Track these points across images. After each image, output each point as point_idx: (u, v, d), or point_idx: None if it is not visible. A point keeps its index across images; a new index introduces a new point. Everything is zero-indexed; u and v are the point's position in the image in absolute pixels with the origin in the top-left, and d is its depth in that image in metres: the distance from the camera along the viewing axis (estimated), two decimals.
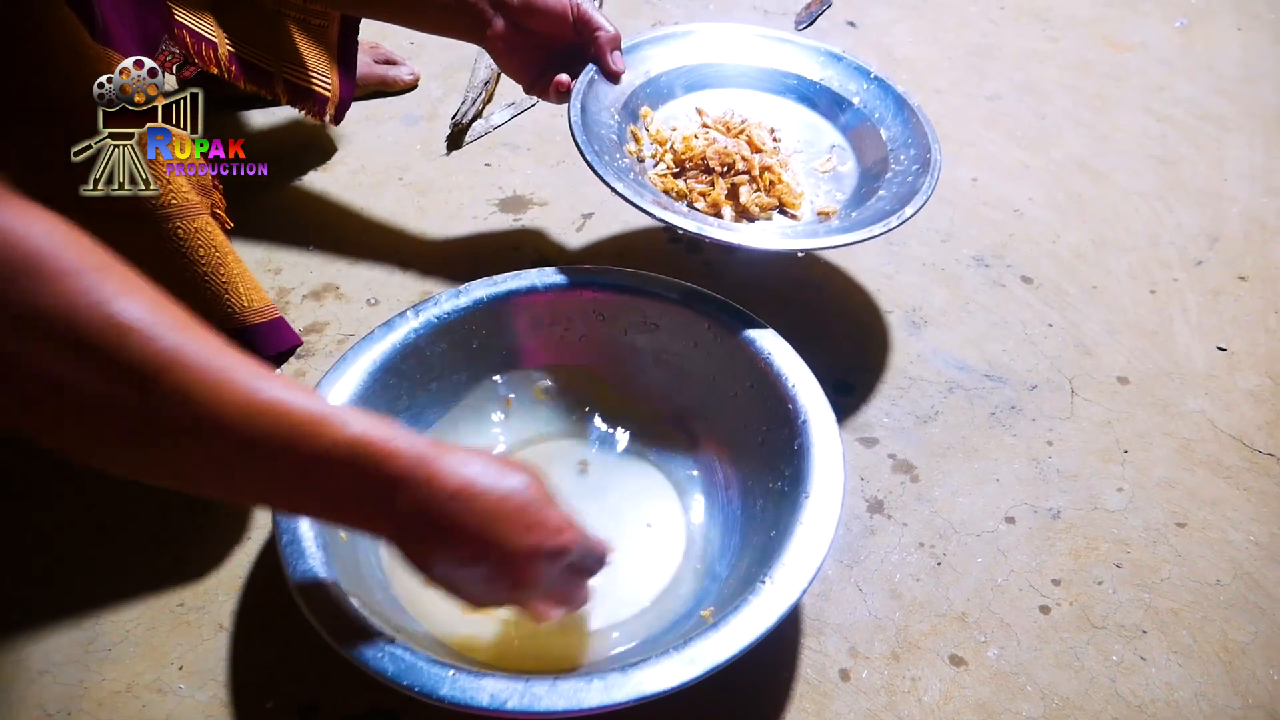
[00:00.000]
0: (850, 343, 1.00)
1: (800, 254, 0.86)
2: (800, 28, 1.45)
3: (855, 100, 1.01)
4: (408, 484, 0.54)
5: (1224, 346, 1.02)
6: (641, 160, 0.95)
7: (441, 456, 0.55)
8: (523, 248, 1.09)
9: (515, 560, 0.58)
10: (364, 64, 1.24)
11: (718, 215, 0.91)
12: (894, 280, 1.07)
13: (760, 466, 0.77)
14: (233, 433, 0.50)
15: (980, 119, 1.31)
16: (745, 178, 0.92)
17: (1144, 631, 0.78)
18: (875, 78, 1.01)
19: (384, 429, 0.54)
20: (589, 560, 0.64)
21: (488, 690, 0.59)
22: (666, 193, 0.92)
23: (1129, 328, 1.04)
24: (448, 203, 1.13)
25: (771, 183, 0.93)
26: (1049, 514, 0.86)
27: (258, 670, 0.73)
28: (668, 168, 0.94)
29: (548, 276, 0.85)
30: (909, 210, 0.87)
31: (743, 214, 0.92)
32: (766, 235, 0.88)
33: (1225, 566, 0.83)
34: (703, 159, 0.93)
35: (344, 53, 1.09)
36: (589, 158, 0.86)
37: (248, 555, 0.79)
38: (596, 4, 1.43)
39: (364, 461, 0.53)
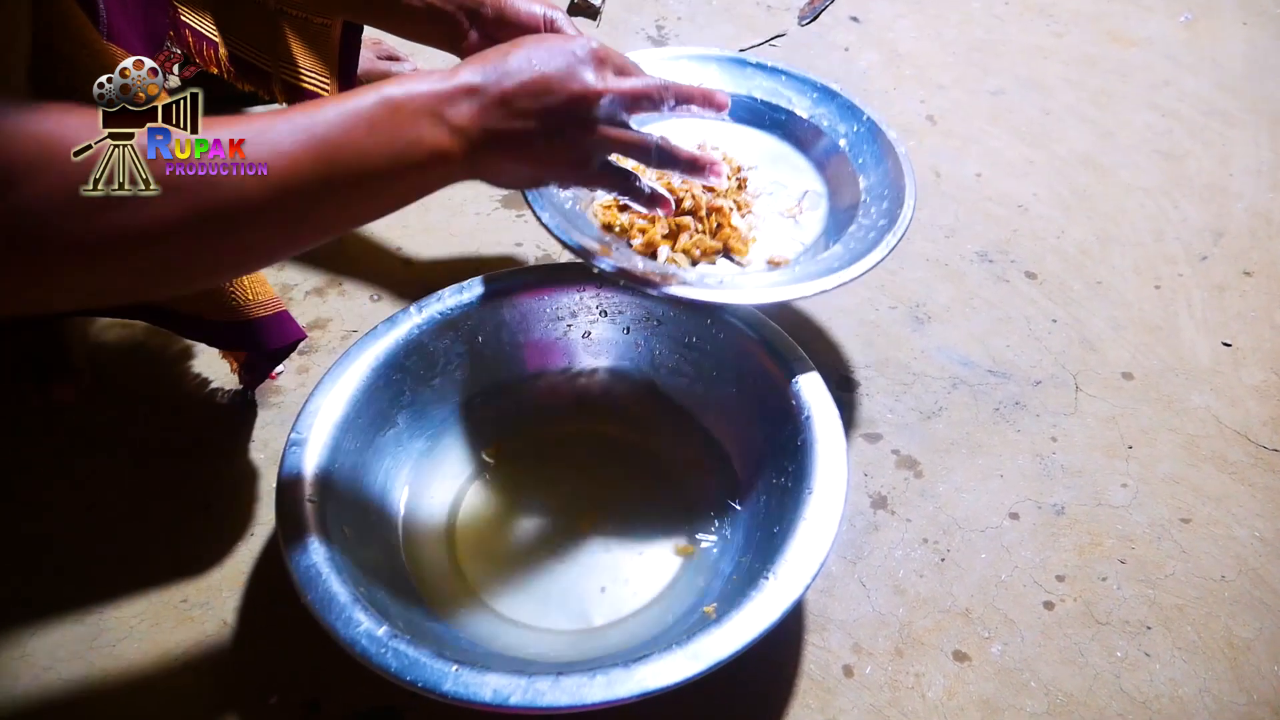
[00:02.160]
0: (854, 338, 1.00)
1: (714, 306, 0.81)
2: (804, 23, 1.45)
3: (841, 143, 0.94)
4: (450, 96, 0.58)
5: (1229, 342, 1.02)
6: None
7: (465, 63, 0.60)
8: (525, 243, 1.09)
9: (582, 81, 0.60)
10: (367, 60, 1.24)
11: (652, 255, 0.83)
12: (898, 276, 1.07)
13: (764, 462, 0.77)
14: (285, 180, 0.52)
15: (984, 114, 1.31)
16: (689, 218, 0.85)
17: (1148, 627, 0.78)
18: (867, 120, 0.94)
19: (392, 85, 0.57)
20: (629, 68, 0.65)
21: (490, 686, 0.59)
22: (608, 226, 0.86)
23: (1133, 323, 1.04)
24: (450, 199, 1.13)
25: (719, 225, 0.86)
26: (1053, 510, 0.86)
27: (261, 666, 0.73)
28: (614, 199, 0.88)
29: (550, 273, 0.85)
30: (847, 275, 0.78)
31: (676, 257, 0.84)
32: (682, 284, 0.78)
33: (1230, 562, 0.83)
34: None
35: (346, 53, 1.09)
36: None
37: (251, 551, 0.79)
38: (600, 4, 1.42)
39: (403, 117, 0.56)
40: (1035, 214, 1.16)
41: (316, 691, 0.72)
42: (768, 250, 0.87)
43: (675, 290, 0.77)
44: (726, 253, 0.86)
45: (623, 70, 0.65)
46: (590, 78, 0.61)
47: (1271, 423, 0.94)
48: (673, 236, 0.85)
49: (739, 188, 0.90)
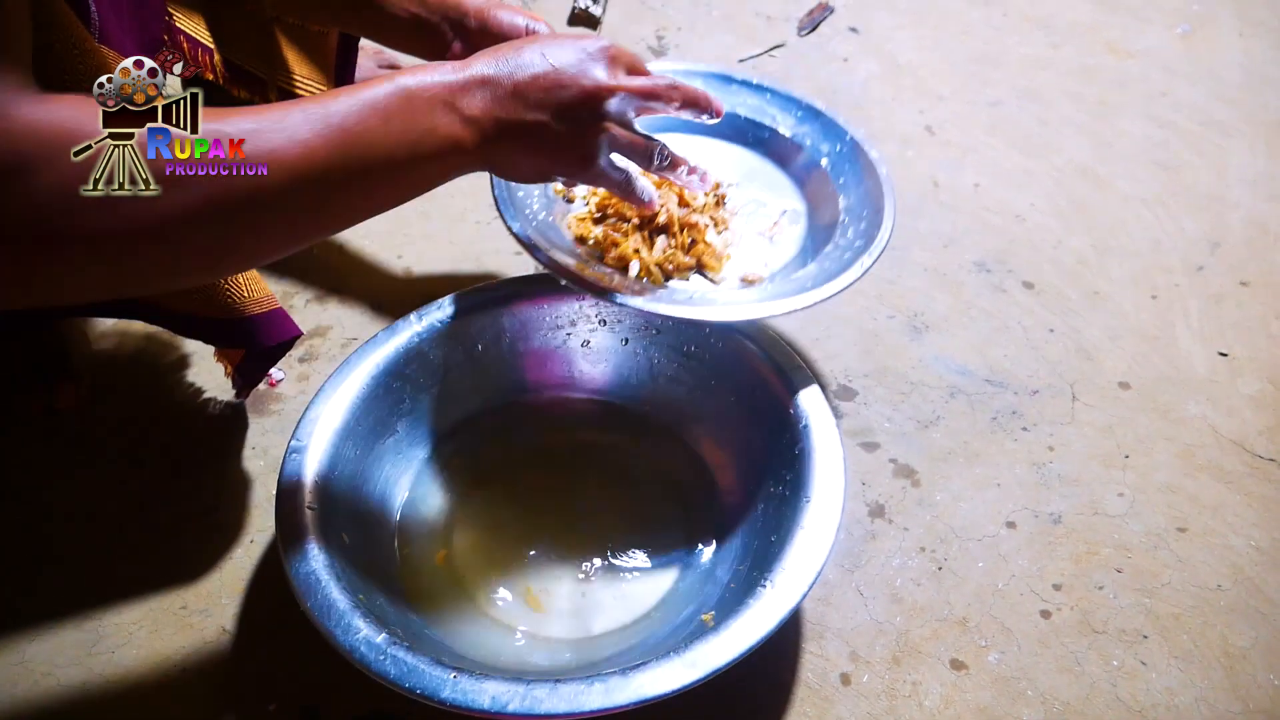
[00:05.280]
0: (852, 347, 1.00)
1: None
2: (803, 33, 1.46)
3: (823, 162, 0.93)
4: (464, 87, 0.59)
5: (1225, 352, 1.02)
6: (571, 200, 0.89)
7: (478, 55, 0.61)
8: (525, 253, 1.09)
9: (594, 77, 0.62)
10: (367, 69, 1.25)
11: (623, 270, 0.82)
12: (896, 285, 1.07)
13: (761, 470, 0.78)
14: (304, 165, 0.54)
15: (982, 125, 1.32)
16: (665, 232, 0.84)
17: (1145, 636, 0.78)
18: (850, 139, 0.93)
19: (407, 75, 0.59)
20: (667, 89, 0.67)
21: (489, 693, 0.59)
22: (581, 239, 0.85)
23: (1130, 333, 1.04)
24: (450, 207, 1.14)
25: (693, 241, 0.84)
26: (1050, 519, 0.86)
27: (260, 673, 0.73)
28: (589, 213, 0.87)
29: (550, 282, 0.85)
30: (817, 295, 0.77)
31: (651, 270, 0.83)
32: (649, 299, 0.78)
33: (1226, 571, 0.83)
34: (619, 208, 0.85)
35: (342, 60, 1.10)
36: (496, 192, 0.82)
37: (250, 558, 0.80)
38: (600, 10, 1.43)
39: (418, 106, 0.58)
40: (1033, 224, 1.17)
41: (315, 698, 0.72)
42: (742, 268, 0.85)
43: (639, 303, 0.76)
44: (700, 269, 0.84)
45: (633, 69, 0.66)
46: (602, 74, 0.62)
47: (1268, 432, 0.94)
48: (647, 247, 0.83)
49: (717, 204, 0.88)
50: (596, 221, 0.86)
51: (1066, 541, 0.85)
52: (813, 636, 0.77)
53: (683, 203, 0.86)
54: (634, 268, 0.82)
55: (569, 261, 0.79)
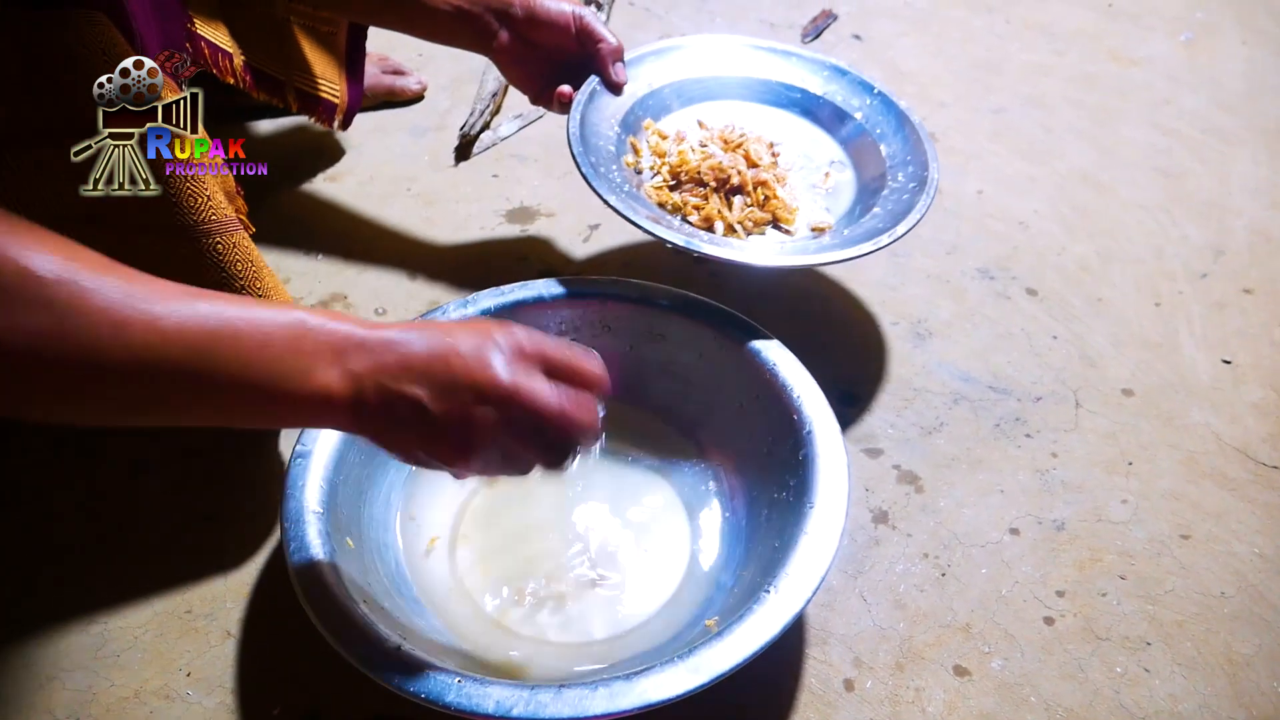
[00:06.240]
0: (855, 354, 1.00)
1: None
2: (806, 40, 1.46)
3: (857, 115, 1.01)
4: (361, 344, 0.55)
5: (1229, 359, 1.03)
6: (640, 172, 0.96)
7: (399, 323, 0.57)
8: (529, 258, 1.09)
9: (489, 366, 0.56)
10: (373, 75, 1.25)
11: (710, 230, 0.91)
12: (899, 292, 1.07)
13: (765, 476, 0.78)
14: (164, 362, 0.51)
15: (985, 132, 1.32)
16: (740, 192, 0.93)
17: (1148, 643, 0.78)
18: (879, 93, 1.01)
19: (313, 314, 0.55)
20: (575, 372, 0.61)
21: (493, 697, 0.59)
22: (661, 205, 0.92)
23: (1133, 340, 1.04)
24: (455, 213, 1.14)
25: (766, 198, 0.93)
26: (1053, 525, 0.86)
27: (264, 677, 0.73)
28: (664, 181, 0.95)
29: (554, 287, 0.86)
30: (901, 228, 0.87)
31: (735, 229, 0.91)
32: (756, 251, 0.88)
33: (1229, 579, 0.83)
34: (697, 173, 0.93)
35: (351, 59, 1.10)
36: (584, 170, 0.87)
37: (256, 563, 0.80)
38: (604, 17, 1.44)
39: (305, 344, 0.54)
40: (1036, 231, 1.17)
41: (319, 702, 0.72)
42: (808, 219, 0.94)
43: (771, 261, 0.85)
44: (774, 223, 0.93)
45: (559, 371, 0.60)
46: (500, 366, 0.56)
47: (1271, 439, 0.94)
48: (726, 207, 0.92)
49: (773, 163, 0.96)
50: (672, 188, 0.94)
51: (1070, 548, 0.85)
52: (816, 642, 0.77)
53: (751, 163, 0.94)
54: (719, 226, 0.91)
55: (664, 226, 0.85)
